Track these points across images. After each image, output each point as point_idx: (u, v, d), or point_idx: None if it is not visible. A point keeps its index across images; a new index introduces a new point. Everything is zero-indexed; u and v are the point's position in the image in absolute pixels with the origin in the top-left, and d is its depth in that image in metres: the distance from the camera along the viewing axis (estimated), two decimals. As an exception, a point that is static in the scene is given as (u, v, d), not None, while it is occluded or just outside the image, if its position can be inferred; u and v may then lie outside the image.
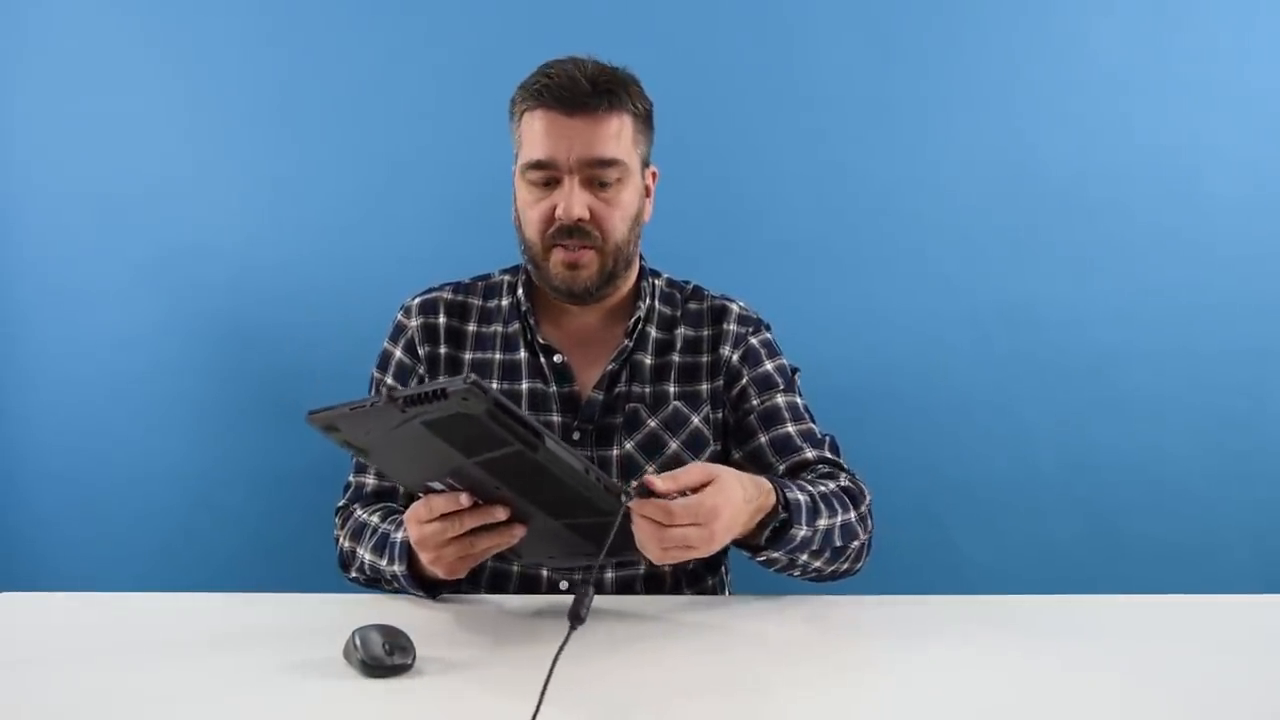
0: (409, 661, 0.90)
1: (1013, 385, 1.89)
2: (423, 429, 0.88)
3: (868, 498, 1.23)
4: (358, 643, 0.89)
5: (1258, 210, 1.89)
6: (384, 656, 0.88)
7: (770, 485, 1.08)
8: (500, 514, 0.98)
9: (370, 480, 1.31)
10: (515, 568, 1.26)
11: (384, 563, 1.16)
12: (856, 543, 1.19)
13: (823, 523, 1.12)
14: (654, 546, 0.96)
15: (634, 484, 0.96)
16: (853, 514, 1.18)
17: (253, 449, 1.87)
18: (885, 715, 0.84)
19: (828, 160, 1.89)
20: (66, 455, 1.87)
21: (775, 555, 1.10)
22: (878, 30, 1.88)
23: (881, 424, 1.88)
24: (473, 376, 0.82)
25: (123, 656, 0.96)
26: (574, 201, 1.20)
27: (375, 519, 1.23)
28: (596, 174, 1.21)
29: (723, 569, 1.38)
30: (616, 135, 1.21)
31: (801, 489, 1.12)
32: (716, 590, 1.36)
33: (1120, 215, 1.89)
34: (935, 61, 1.89)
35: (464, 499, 0.97)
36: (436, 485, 0.99)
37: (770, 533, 1.08)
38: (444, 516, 0.99)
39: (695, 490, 0.96)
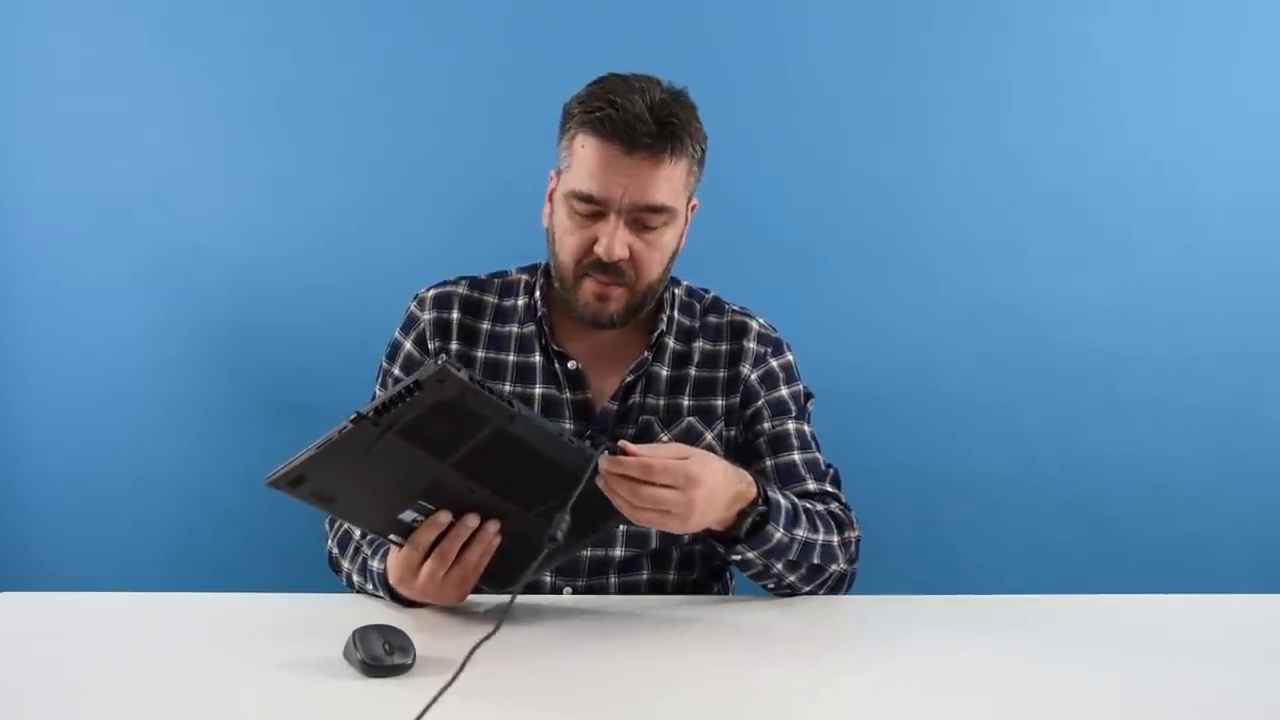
0: (409, 661, 0.90)
1: (1011, 385, 1.89)
2: (397, 440, 0.89)
3: (855, 532, 1.21)
4: (358, 643, 0.89)
5: (1255, 211, 1.89)
6: (384, 656, 0.88)
7: (751, 478, 1.07)
8: (472, 520, 0.99)
9: None
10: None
11: (369, 587, 1.15)
12: (835, 567, 1.17)
13: (801, 533, 1.11)
14: (626, 504, 0.97)
15: (607, 444, 0.97)
16: (835, 537, 1.16)
17: (253, 449, 1.86)
18: (884, 715, 0.84)
19: (826, 160, 1.89)
20: (66, 455, 1.87)
21: (750, 556, 1.09)
22: (877, 31, 1.88)
23: (880, 424, 1.88)
24: (441, 359, 0.83)
25: (123, 657, 0.95)
26: (615, 242, 1.17)
27: (358, 532, 1.21)
28: (644, 219, 1.18)
29: (727, 576, 1.37)
30: (670, 180, 1.17)
31: (785, 496, 1.12)
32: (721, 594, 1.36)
33: (1118, 216, 1.89)
34: (934, 63, 1.89)
35: (442, 517, 0.98)
36: (407, 517, 1.00)
37: (749, 525, 1.07)
38: (431, 558, 1.00)
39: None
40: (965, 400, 1.89)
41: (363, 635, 0.90)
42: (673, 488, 0.97)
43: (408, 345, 1.30)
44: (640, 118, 1.13)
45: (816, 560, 1.14)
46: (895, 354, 1.89)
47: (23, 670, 0.92)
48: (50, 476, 1.88)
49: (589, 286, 1.21)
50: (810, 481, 1.25)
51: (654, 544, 1.26)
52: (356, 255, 1.87)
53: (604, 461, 0.96)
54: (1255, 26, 1.88)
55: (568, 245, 1.21)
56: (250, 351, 1.88)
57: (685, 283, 1.38)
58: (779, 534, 1.08)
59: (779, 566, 1.11)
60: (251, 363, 1.88)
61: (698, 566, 1.31)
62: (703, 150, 1.22)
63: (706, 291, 1.38)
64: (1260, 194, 1.89)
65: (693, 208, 1.28)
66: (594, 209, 1.18)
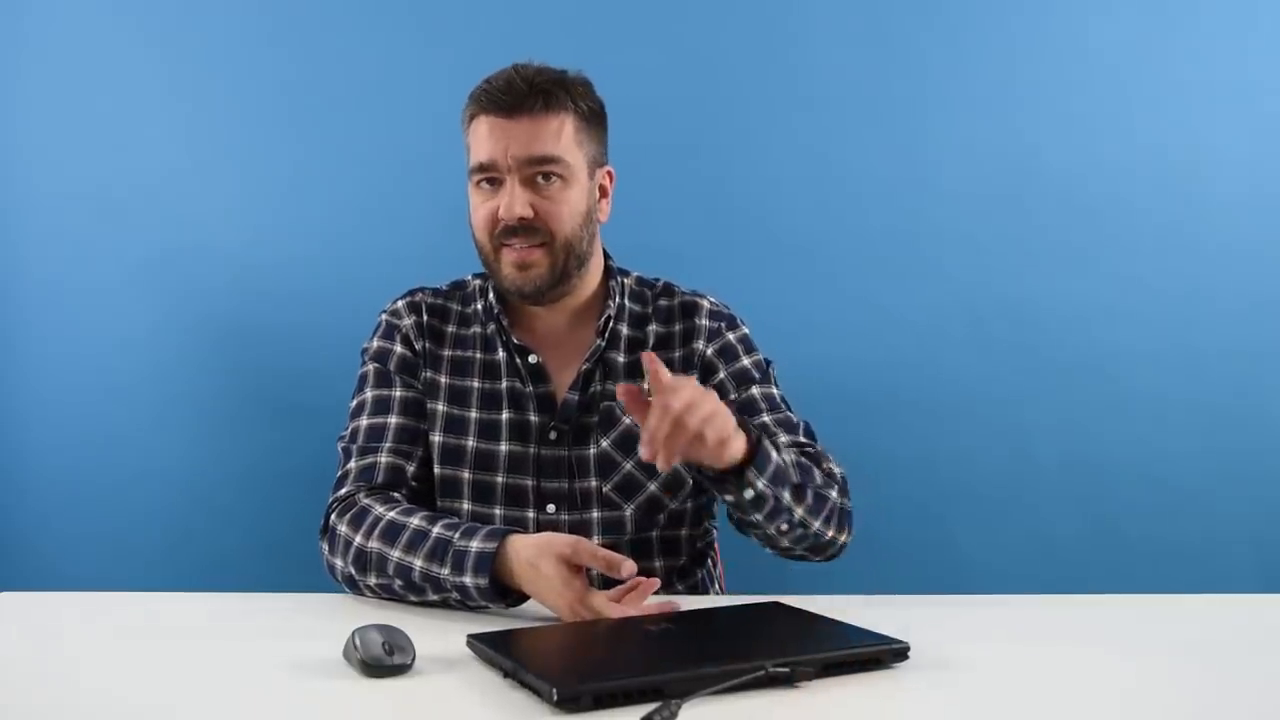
0: (409, 661, 0.90)
1: (1013, 383, 1.89)
2: None
3: (837, 471, 1.24)
4: (358, 643, 0.89)
5: (1257, 209, 1.89)
6: (384, 656, 0.88)
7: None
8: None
9: (384, 459, 1.26)
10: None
11: (446, 570, 1.09)
12: (833, 495, 1.19)
13: (789, 457, 1.12)
14: (682, 436, 1.00)
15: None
16: (817, 474, 1.19)
17: (252, 449, 1.87)
18: (884, 714, 0.84)
19: (827, 159, 1.89)
20: (66, 454, 1.87)
21: (761, 486, 1.08)
22: (877, 29, 1.88)
23: (882, 422, 1.88)
24: None
25: (122, 656, 0.96)
26: (515, 200, 1.21)
27: (418, 521, 1.14)
28: (536, 172, 1.22)
29: (709, 562, 1.39)
30: (556, 134, 1.22)
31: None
32: (705, 585, 1.37)
33: (1120, 214, 1.89)
34: (935, 60, 1.89)
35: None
36: None
37: (751, 447, 1.08)
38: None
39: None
40: (967, 398, 1.89)
41: (362, 635, 0.90)
42: (692, 400, 1.00)
43: (398, 349, 1.33)
44: (513, 84, 1.22)
45: (818, 483, 1.15)
46: (896, 353, 1.89)
47: (23, 670, 0.92)
48: (50, 475, 1.88)
49: (507, 257, 1.25)
50: (783, 435, 1.26)
51: (628, 532, 1.27)
52: (355, 256, 1.87)
53: (656, 410, 0.99)
54: (1259, 26, 1.88)
55: (478, 221, 1.26)
56: (250, 351, 1.88)
57: (635, 273, 1.40)
58: (775, 457, 1.09)
59: (787, 496, 1.11)
60: (251, 363, 1.88)
61: (683, 551, 1.33)
62: (591, 109, 1.27)
63: (658, 280, 1.40)
64: (1262, 192, 1.88)
65: (608, 174, 1.32)
66: (490, 176, 1.23)
